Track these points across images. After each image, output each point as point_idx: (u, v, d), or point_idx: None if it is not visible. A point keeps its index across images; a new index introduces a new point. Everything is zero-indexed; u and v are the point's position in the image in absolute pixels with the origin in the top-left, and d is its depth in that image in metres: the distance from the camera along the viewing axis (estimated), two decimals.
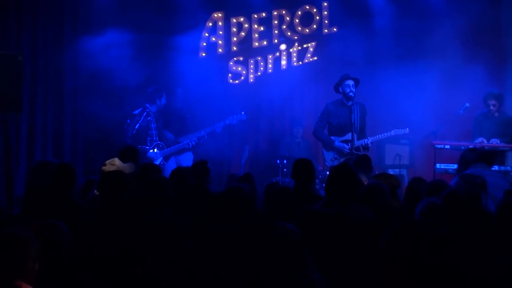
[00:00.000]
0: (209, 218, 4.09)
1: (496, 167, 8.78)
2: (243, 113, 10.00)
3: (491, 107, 9.40)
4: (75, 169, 5.87)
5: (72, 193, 5.76)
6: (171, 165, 9.52)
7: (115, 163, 6.84)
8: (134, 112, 9.76)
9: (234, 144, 10.85)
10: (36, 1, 10.25)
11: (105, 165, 6.85)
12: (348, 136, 9.24)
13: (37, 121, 10.19)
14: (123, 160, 7.19)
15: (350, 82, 9.32)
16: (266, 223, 3.64)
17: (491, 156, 7.28)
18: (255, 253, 3.35)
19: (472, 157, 7.46)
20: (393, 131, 9.41)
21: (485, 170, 6.88)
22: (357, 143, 9.20)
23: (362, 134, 9.32)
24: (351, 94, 9.26)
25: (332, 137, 9.42)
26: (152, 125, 9.78)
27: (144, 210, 4.99)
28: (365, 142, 9.25)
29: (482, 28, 10.76)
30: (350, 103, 9.27)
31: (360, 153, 8.84)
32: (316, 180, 8.63)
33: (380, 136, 9.41)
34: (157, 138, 9.81)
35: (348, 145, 9.22)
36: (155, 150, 9.71)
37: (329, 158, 9.44)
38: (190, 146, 9.83)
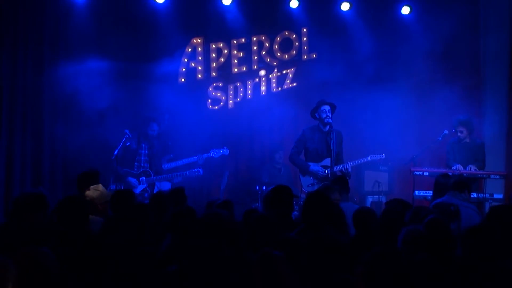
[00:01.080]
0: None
1: (474, 195, 8.83)
2: (225, 147, 10.04)
3: (459, 134, 9.51)
4: (45, 196, 5.77)
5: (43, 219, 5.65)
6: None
7: (99, 189, 6.74)
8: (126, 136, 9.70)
9: (213, 170, 10.80)
10: (15, 28, 10.19)
11: (89, 189, 6.74)
12: (325, 162, 9.29)
13: (16, 148, 10.11)
14: (81, 185, 7.14)
15: (326, 108, 9.32)
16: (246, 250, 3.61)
17: (466, 184, 7.28)
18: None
19: (446, 182, 7.50)
20: (369, 156, 9.42)
21: (459, 200, 6.88)
22: (336, 168, 9.18)
23: (338, 161, 9.30)
24: (327, 119, 9.25)
25: (309, 163, 9.41)
26: (142, 151, 9.74)
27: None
28: (345, 167, 9.23)
29: (459, 53, 10.92)
30: (327, 128, 9.27)
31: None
32: (296, 207, 8.59)
33: (357, 161, 9.40)
34: (146, 164, 9.76)
35: (322, 168, 9.24)
36: (143, 178, 9.67)
37: (306, 184, 9.43)
38: (175, 182, 9.80)
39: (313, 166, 9.32)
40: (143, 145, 9.81)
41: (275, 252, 3.59)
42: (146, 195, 9.53)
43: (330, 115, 9.29)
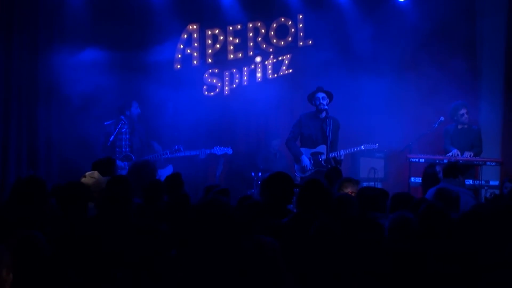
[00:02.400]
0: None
1: (470, 181, 8.84)
2: (229, 147, 10.01)
3: (465, 115, 9.49)
4: (43, 182, 5.74)
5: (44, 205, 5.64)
6: None
7: (94, 176, 6.70)
8: (106, 123, 9.65)
9: (209, 156, 10.77)
10: (10, 14, 10.15)
11: (84, 176, 6.69)
12: (319, 148, 9.37)
13: (11, 134, 10.11)
14: (101, 173, 7.06)
15: (321, 95, 9.42)
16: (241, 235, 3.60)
17: (458, 169, 7.29)
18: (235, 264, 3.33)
19: (433, 171, 7.52)
20: (363, 145, 9.48)
21: (456, 186, 6.88)
22: (331, 155, 9.26)
23: (333, 148, 9.35)
24: (321, 106, 9.35)
25: (304, 149, 9.49)
26: (123, 136, 9.68)
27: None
28: (338, 154, 9.27)
29: (456, 41, 10.87)
30: (323, 115, 9.35)
31: (329, 166, 9.01)
32: None
33: (350, 150, 9.45)
34: (127, 149, 9.72)
35: (310, 163, 9.34)
36: (124, 161, 9.62)
37: (299, 170, 9.47)
38: (162, 158, 9.74)
39: (304, 158, 9.40)
40: (123, 130, 9.72)
41: (268, 239, 3.58)
42: None
43: (324, 103, 9.36)
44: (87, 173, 6.75)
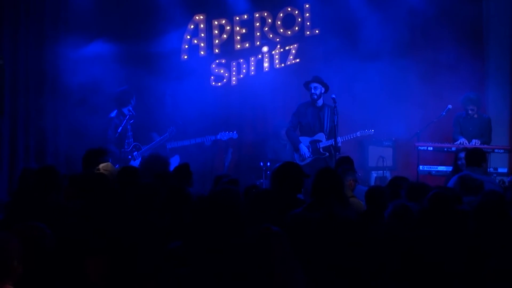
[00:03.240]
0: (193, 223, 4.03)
1: None
2: (235, 132, 10.07)
3: (469, 111, 9.47)
4: (58, 172, 5.77)
5: (57, 195, 5.66)
6: None
7: (108, 169, 6.68)
8: (111, 115, 9.69)
9: (217, 146, 10.79)
10: (17, 6, 10.16)
11: (98, 169, 6.67)
12: (317, 136, 9.56)
13: (19, 125, 10.14)
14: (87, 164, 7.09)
15: (313, 85, 9.58)
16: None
17: (484, 157, 7.24)
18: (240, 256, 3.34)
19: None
20: (358, 132, 9.54)
21: (480, 175, 6.80)
22: (327, 142, 9.41)
23: (332, 135, 9.41)
24: (313, 96, 9.55)
25: (303, 138, 9.63)
26: (129, 127, 9.72)
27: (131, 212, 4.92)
28: (335, 142, 9.28)
29: (463, 29, 10.84)
30: (320, 103, 9.55)
31: (327, 154, 9.33)
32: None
33: (347, 137, 9.52)
34: (132, 140, 9.75)
35: (308, 151, 9.49)
36: (135, 152, 9.66)
37: (298, 158, 9.56)
38: (165, 142, 9.80)
39: (302, 146, 9.53)
40: (131, 121, 9.74)
41: (274, 228, 3.58)
42: None
43: (316, 92, 9.53)
44: (100, 166, 6.73)
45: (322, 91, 9.55)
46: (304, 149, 9.51)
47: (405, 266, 4.03)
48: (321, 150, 9.47)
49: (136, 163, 9.58)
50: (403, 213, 4.56)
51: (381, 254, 4.07)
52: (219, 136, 9.98)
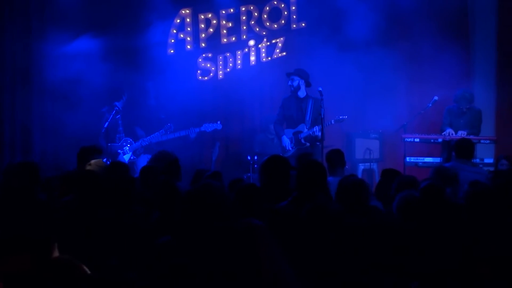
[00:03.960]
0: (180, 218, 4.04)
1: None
2: (218, 122, 10.05)
3: (464, 110, 9.49)
4: (37, 167, 5.74)
5: (37, 191, 5.63)
6: (142, 162, 9.45)
7: (100, 164, 6.65)
8: (103, 110, 9.70)
9: (204, 141, 10.79)
10: (2, 2, 10.16)
11: (90, 164, 6.63)
12: (299, 127, 9.58)
13: (5, 119, 10.13)
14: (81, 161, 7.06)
15: (291, 77, 9.66)
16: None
17: (470, 148, 7.29)
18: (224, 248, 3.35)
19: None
20: (332, 120, 9.44)
21: (465, 165, 6.88)
22: (307, 132, 9.42)
23: (313, 126, 9.41)
24: (291, 88, 9.65)
25: (288, 130, 9.69)
26: (120, 122, 9.72)
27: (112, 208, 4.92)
28: (312, 131, 9.34)
29: (449, 20, 10.87)
30: (303, 95, 9.60)
31: (308, 144, 9.37)
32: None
33: (323, 125, 9.38)
34: (123, 134, 9.77)
35: (289, 143, 9.53)
36: (126, 147, 9.66)
37: (281, 151, 9.62)
38: (157, 140, 9.81)
39: (284, 138, 9.60)
40: (118, 116, 9.77)
41: (257, 222, 3.57)
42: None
43: (293, 84, 9.60)
44: (92, 161, 6.71)
45: (301, 83, 9.57)
46: (286, 141, 9.55)
47: (396, 258, 4.05)
48: (302, 140, 9.48)
49: (125, 158, 9.60)
50: (410, 204, 4.54)
51: (371, 246, 4.08)
52: (203, 127, 9.98)
